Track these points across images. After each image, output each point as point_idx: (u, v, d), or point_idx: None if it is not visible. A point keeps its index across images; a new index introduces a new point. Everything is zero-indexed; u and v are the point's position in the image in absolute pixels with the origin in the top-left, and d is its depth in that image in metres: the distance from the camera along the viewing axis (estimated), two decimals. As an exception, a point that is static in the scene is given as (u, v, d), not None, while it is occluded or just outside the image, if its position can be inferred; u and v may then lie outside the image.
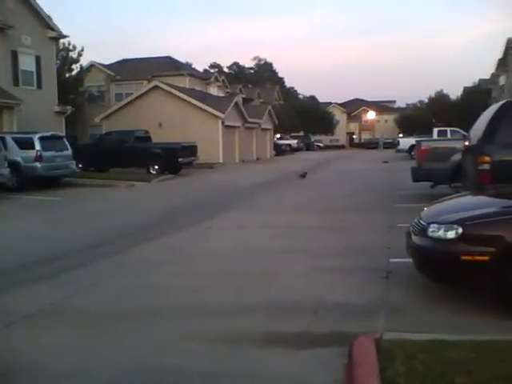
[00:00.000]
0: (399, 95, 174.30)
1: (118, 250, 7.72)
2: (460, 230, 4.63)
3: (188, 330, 4.44)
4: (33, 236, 9.08)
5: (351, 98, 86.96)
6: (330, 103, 77.25)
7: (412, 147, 28.11)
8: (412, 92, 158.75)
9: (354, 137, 79.68)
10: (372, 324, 4.42)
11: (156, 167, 21.65)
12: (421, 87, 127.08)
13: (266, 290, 5.54)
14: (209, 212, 11.52)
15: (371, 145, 62.61)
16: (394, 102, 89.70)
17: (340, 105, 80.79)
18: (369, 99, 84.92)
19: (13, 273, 6.50)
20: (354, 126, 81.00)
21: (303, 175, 19.40)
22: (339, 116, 74.05)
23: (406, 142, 36.81)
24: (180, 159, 21.85)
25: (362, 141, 72.47)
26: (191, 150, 23.06)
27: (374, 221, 9.70)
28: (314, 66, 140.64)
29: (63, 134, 20.56)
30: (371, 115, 78.33)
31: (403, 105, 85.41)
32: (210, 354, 3.96)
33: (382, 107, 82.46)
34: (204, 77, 43.39)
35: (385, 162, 28.98)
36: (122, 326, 4.62)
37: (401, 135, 55.02)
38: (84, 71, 33.94)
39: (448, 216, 4.99)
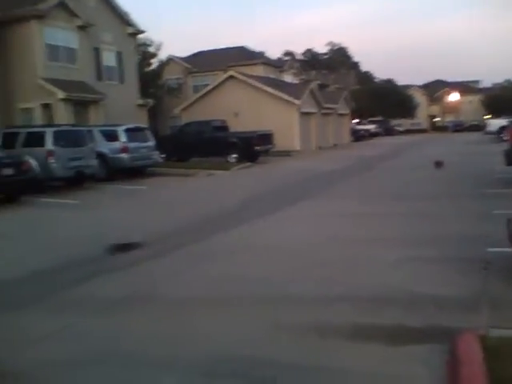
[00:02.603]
0: (484, 75, 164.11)
1: (199, 237, 7.79)
2: None
3: (275, 320, 4.32)
4: (118, 225, 9.40)
5: (432, 80, 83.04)
6: (410, 86, 74.17)
7: (502, 129, 26.38)
8: (498, 71, 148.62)
9: (437, 120, 76.10)
10: (473, 319, 4.08)
11: (234, 156, 21.87)
12: (508, 66, 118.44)
13: (353, 280, 5.32)
14: (288, 200, 11.39)
15: (456, 127, 59.60)
16: (477, 82, 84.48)
17: (420, 87, 77.37)
18: (451, 80, 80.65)
19: (101, 260, 6.74)
20: (435, 109, 77.30)
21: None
22: (419, 99, 70.87)
23: (495, 123, 34.65)
24: (257, 147, 21.92)
25: (445, 124, 68.97)
26: (268, 138, 23.06)
27: (465, 207, 9.12)
28: (390, 48, 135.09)
29: (146, 125, 21.23)
30: (454, 97, 74.36)
31: (488, 85, 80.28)
32: (300, 346, 3.82)
33: (465, 88, 77.92)
34: (278, 65, 43.13)
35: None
36: (207, 315, 4.59)
37: (487, 117, 51.79)
38: (162, 65, 34.94)
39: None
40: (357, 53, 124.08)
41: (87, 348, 3.95)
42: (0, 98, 19.65)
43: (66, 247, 7.62)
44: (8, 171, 12.26)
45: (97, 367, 3.63)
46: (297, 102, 28.72)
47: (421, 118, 70.81)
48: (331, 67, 68.71)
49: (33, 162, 13.54)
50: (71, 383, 3.41)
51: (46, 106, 20.22)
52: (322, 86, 44.40)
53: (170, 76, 35.85)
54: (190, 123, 25.00)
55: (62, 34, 20.96)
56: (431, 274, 5.36)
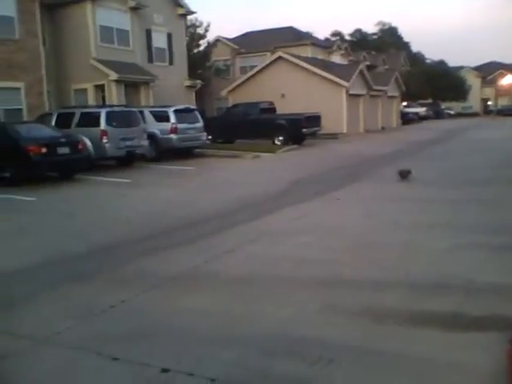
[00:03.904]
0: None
1: (248, 218, 7.87)
2: None
3: (326, 302, 4.33)
4: (171, 203, 9.62)
5: (487, 61, 79.55)
6: (462, 67, 71.36)
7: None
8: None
9: (489, 103, 73.09)
10: (535, 309, 3.97)
11: (280, 138, 21.81)
12: None
13: (408, 265, 5.24)
14: (335, 183, 11.30)
15: (509, 111, 57.08)
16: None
17: (473, 69, 74.35)
18: (508, 62, 77.03)
19: (154, 238, 6.93)
20: (489, 92, 74.19)
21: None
22: (472, 81, 68.12)
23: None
24: (304, 130, 21.76)
25: (499, 107, 66.14)
26: (315, 120, 22.83)
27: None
28: (442, 28, 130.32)
29: (195, 107, 21.46)
30: (509, 79, 71.04)
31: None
32: (356, 329, 3.83)
33: (522, 70, 74.27)
34: (326, 45, 42.44)
35: None
36: (261, 293, 4.65)
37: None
38: (211, 46, 35.03)
39: None
40: (407, 33, 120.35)
41: (143, 323, 4.09)
42: (55, 78, 20.28)
43: (123, 224, 7.89)
44: (64, 150, 12.71)
45: (152, 342, 3.75)
46: (345, 83, 28.24)
47: (473, 101, 68.22)
48: (381, 48, 66.90)
49: (87, 142, 13.99)
50: (128, 355, 3.55)
51: (99, 87, 20.74)
52: (370, 67, 43.38)
53: (218, 57, 35.92)
54: (236, 105, 25.06)
55: (115, 16, 21.35)
56: (490, 262, 5.22)
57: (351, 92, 29.16)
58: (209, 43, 34.83)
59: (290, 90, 28.06)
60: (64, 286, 5.05)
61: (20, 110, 17.39)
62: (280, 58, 29.45)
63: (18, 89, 17.36)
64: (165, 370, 3.30)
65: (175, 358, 3.47)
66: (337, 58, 40.51)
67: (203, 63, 32.55)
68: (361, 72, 31.29)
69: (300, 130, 21.64)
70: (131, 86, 21.44)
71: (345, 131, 27.96)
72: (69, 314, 4.35)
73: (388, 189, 10.21)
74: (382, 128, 34.69)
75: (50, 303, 4.64)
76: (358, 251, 5.89)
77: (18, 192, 11.01)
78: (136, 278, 5.23)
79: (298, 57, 30.09)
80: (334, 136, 25.68)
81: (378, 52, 59.54)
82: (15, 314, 4.41)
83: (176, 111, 17.42)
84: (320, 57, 36.22)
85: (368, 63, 43.57)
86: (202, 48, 33.73)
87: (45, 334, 3.94)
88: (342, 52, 43.09)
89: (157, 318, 4.19)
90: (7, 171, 12.09)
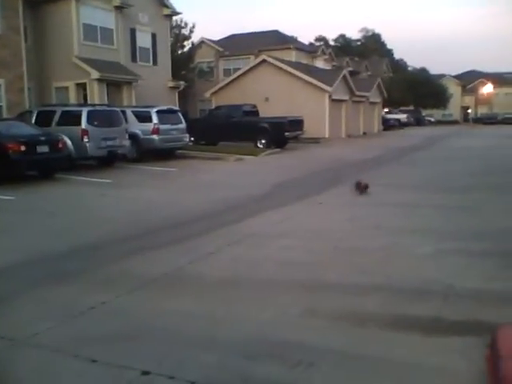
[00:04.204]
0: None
1: (232, 220, 7.85)
2: None
3: (308, 306, 4.34)
4: (154, 204, 9.55)
5: (467, 70, 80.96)
6: (444, 75, 72.52)
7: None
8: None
9: (469, 111, 74.36)
10: (513, 314, 4.04)
11: (263, 141, 21.85)
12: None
13: (388, 270, 5.29)
14: (317, 187, 11.36)
15: (488, 120, 58.13)
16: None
17: (454, 77, 75.61)
18: (488, 71, 78.51)
19: (137, 239, 6.86)
20: (469, 100, 75.50)
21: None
22: (453, 89, 69.27)
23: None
24: (287, 133, 21.83)
25: (479, 115, 67.31)
26: (298, 124, 22.93)
27: (507, 202, 8.94)
28: (425, 36, 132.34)
29: (177, 108, 21.36)
30: (488, 88, 72.42)
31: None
32: (337, 333, 3.84)
33: (502, 80, 75.67)
34: (310, 50, 42.72)
35: None
36: (242, 296, 4.64)
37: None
38: (195, 48, 34.94)
39: None
40: (390, 40, 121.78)
41: (123, 325, 4.05)
42: (36, 76, 19.99)
43: (105, 224, 7.81)
44: (43, 148, 12.53)
45: (133, 344, 3.71)
46: (328, 88, 28.44)
47: (453, 109, 69.33)
48: (364, 54, 67.58)
49: (67, 141, 13.81)
50: (107, 357, 3.50)
51: (81, 86, 20.51)
52: (353, 73, 43.77)
53: (202, 59, 35.86)
54: (220, 107, 25.04)
55: (100, 14, 21.15)
56: (470, 268, 5.28)
57: (334, 97, 29.38)
58: (193, 44, 34.75)
59: (273, 94, 28.16)
60: (44, 287, 4.96)
61: (-1, 106, 17.11)
62: (264, 61, 29.53)
63: (-2, 85, 17.08)
64: (145, 373, 3.26)
65: (156, 360, 3.43)
66: (320, 63, 40.79)
67: (187, 64, 32.46)
68: (344, 77, 31.56)
69: (283, 133, 21.71)
70: (114, 85, 21.25)
71: (327, 136, 28.14)
72: (48, 314, 4.28)
73: (371, 194, 10.28)
74: (364, 133, 35.03)
75: (30, 304, 4.55)
76: (340, 255, 5.91)
77: (-4, 190, 10.82)
78: (118, 279, 5.17)
79: (282, 61, 30.22)
80: (316, 140, 25.82)
81: (361, 58, 60.12)
82: (-8, 314, 4.31)
83: (159, 112, 17.31)
84: (304, 61, 36.43)
85: (351, 69, 43.99)
86: (186, 49, 33.64)
87: (23, 334, 3.87)
88: (326, 57, 43.41)
89: (138, 319, 4.14)
90: (-15, 169, 11.86)
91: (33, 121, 14.69)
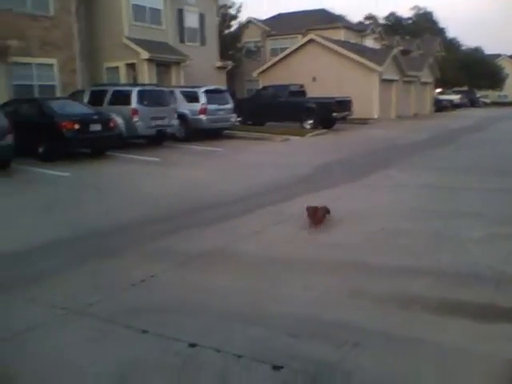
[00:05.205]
0: None
1: (277, 200, 7.86)
2: None
3: (354, 287, 4.32)
4: (200, 183, 9.67)
5: (525, 49, 76.97)
6: (499, 55, 69.22)
7: None
8: None
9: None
10: None
11: (310, 122, 21.62)
12: None
13: (437, 254, 5.16)
14: (365, 168, 11.17)
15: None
16: None
17: (510, 57, 72.01)
18: (547, 50, 74.29)
19: (182, 216, 7.01)
20: (526, 81, 71.78)
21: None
22: (509, 69, 66.03)
23: None
24: (334, 114, 21.50)
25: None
26: (345, 104, 22.53)
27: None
28: (479, 15, 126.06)
29: (225, 88, 21.41)
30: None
31: None
32: (382, 315, 3.81)
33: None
34: (359, 29, 41.59)
35: None
36: (287, 275, 4.65)
37: None
38: (242, 27, 34.75)
39: None
40: (443, 18, 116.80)
41: (171, 298, 4.16)
42: (88, 56, 20.46)
43: (152, 201, 7.99)
44: (96, 127, 12.88)
45: (181, 317, 3.81)
46: (378, 68, 27.73)
47: (509, 90, 66.17)
48: (415, 33, 65.26)
49: (118, 120, 14.14)
50: (157, 329, 3.61)
51: (131, 66, 20.86)
52: (404, 52, 42.38)
53: (249, 39, 35.64)
54: (267, 87, 24.88)
55: (148, -5, 21.34)
56: (522, 254, 5.11)
57: (384, 77, 28.63)
58: (240, 24, 34.57)
59: (321, 74, 27.73)
60: (95, 260, 5.15)
61: (53, 86, 17.66)
62: (312, 40, 29.05)
63: (52, 65, 17.60)
64: (192, 345, 3.35)
65: (202, 333, 3.52)
66: (370, 42, 39.73)
67: (234, 44, 32.37)
68: (394, 57, 30.65)
69: (330, 114, 21.40)
70: (162, 66, 21.50)
71: (376, 117, 27.54)
72: (100, 286, 4.45)
73: (419, 176, 10.04)
74: (415, 114, 34.03)
75: (82, 276, 4.74)
76: (387, 237, 5.83)
77: (52, 167, 11.26)
78: (165, 254, 5.31)
79: (330, 40, 29.63)
80: (364, 121, 25.33)
81: (412, 37, 58.11)
82: (47, 286, 4.53)
83: (207, 92, 17.40)
84: (353, 40, 35.57)
85: (402, 48, 42.60)
86: (233, 29, 33.53)
87: (76, 304, 4.04)
88: (376, 36, 42.20)
89: (186, 293, 4.25)
90: (41, 146, 12.33)
91: (85, 100, 15.09)
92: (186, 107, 17.02)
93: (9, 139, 10.62)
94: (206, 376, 3.04)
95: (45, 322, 3.78)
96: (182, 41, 23.84)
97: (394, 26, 72.43)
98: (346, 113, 22.55)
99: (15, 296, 4.25)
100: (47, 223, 6.77)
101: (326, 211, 6.49)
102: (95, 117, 13.12)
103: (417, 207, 7.29)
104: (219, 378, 3.01)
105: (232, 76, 30.43)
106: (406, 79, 32.63)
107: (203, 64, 23.94)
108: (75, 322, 3.79)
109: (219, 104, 17.69)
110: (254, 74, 30.38)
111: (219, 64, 26.15)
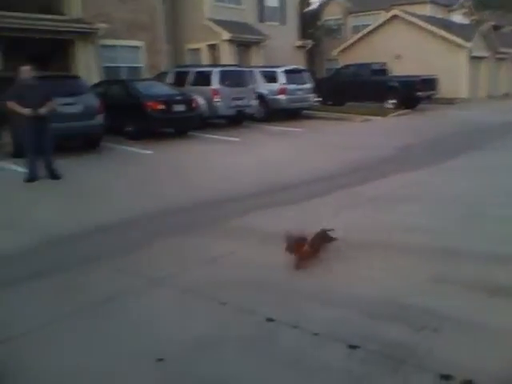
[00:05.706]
0: None
1: (355, 182, 7.73)
2: None
3: (436, 272, 4.17)
4: (279, 163, 9.73)
5: None
6: None
7: None
8: None
9: None
10: None
11: (392, 101, 20.92)
12: None
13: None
14: (449, 151, 10.66)
15: None
16: None
17: None
18: None
19: (263, 195, 7.11)
20: None
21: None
22: None
23: None
24: (419, 93, 20.65)
25: None
26: (431, 83, 21.54)
27: None
28: None
29: (304, 67, 21.21)
30: None
31: None
32: (464, 301, 3.68)
33: None
34: (446, 3, 39.30)
35: None
36: (364, 258, 4.59)
37: None
38: (322, 5, 34.11)
39: None
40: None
41: (250, 273, 4.27)
42: (171, 38, 21.04)
43: (233, 180, 8.21)
44: (179, 108, 13.29)
45: (259, 292, 3.91)
46: (467, 44, 26.17)
47: None
48: (507, 6, 60.74)
49: (200, 100, 14.48)
50: (235, 302, 3.73)
51: (212, 47, 21.21)
52: (496, 28, 39.59)
53: (330, 16, 34.91)
54: (347, 66, 24.31)
55: (230, -25, 21.48)
56: None
57: (473, 54, 27.00)
58: (321, 1, 33.92)
59: (405, 51, 26.63)
60: (176, 236, 5.37)
61: (140, 67, 18.38)
62: (395, 16, 27.91)
63: (138, 47, 18.31)
64: (269, 320, 3.43)
65: (280, 309, 3.59)
66: (458, 18, 37.44)
67: (314, 22, 31.92)
68: (484, 32, 28.75)
69: (414, 93, 20.57)
70: (242, 46, 21.66)
71: (463, 96, 26.12)
72: (182, 260, 4.65)
73: (509, 158, 9.46)
74: (505, 94, 31.89)
75: (164, 250, 4.98)
76: (472, 222, 5.58)
77: (138, 146, 11.81)
78: (242, 232, 5.43)
79: (416, 15, 28.30)
80: (450, 101, 24.12)
81: (504, 11, 54.13)
82: (134, 257, 4.80)
83: (285, 72, 17.33)
84: (439, 16, 33.74)
85: (493, 23, 39.80)
86: (313, 7, 32.99)
87: (159, 275, 4.27)
88: (465, 11, 39.72)
89: (264, 270, 4.34)
90: (128, 126, 12.95)
91: (169, 81, 15.57)
92: (264, 87, 17.08)
93: (99, 119, 11.21)
94: (281, 350, 3.11)
95: (130, 290, 4.03)
96: (261, 20, 23.82)
97: (486, -1, 67.81)
98: (432, 92, 21.57)
99: (104, 266, 4.57)
100: (134, 198, 7.16)
101: (325, 239, 4.52)
102: (179, 97, 13.52)
103: (503, 191, 6.91)
104: (295, 352, 3.07)
105: (312, 55, 30.05)
106: (497, 56, 30.58)
107: (283, 43, 23.82)
108: (158, 292, 4.01)
109: (298, 84, 17.57)
110: (334, 53, 29.77)
111: (299, 43, 25.91)
